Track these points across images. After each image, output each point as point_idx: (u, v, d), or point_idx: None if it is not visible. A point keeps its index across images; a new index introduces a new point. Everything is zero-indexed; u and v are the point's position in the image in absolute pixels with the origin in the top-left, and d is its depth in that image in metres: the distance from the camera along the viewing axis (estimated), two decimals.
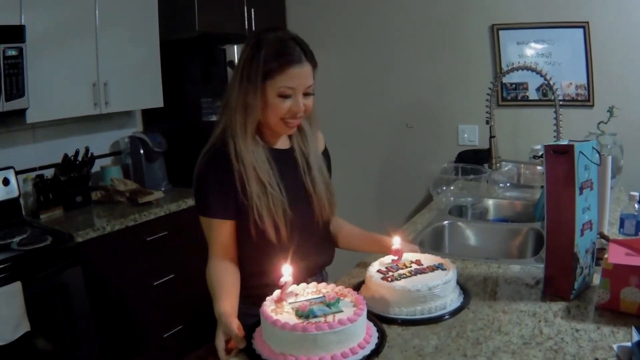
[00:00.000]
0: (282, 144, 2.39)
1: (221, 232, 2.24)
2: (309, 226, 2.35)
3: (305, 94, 2.22)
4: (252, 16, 5.20)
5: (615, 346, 1.75)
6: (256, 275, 2.29)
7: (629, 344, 1.74)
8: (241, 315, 2.31)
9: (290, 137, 2.41)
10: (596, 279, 2.18)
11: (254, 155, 2.20)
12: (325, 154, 2.56)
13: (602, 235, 2.50)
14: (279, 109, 2.17)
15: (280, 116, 2.19)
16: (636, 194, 2.78)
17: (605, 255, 2.05)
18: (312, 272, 2.41)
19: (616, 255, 2.04)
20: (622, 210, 2.82)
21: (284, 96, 2.16)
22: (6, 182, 3.95)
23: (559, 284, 2.18)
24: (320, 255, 2.45)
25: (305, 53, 2.21)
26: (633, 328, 1.77)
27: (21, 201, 4.10)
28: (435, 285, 2.00)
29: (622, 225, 2.80)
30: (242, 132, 2.20)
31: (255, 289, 2.27)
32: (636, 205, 2.74)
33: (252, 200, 2.17)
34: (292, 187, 2.30)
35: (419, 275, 2.09)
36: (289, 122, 2.21)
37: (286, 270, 1.86)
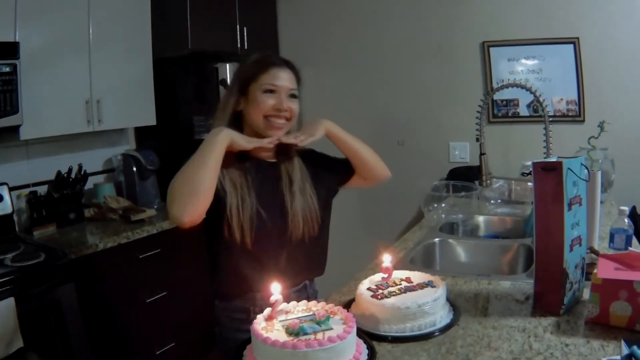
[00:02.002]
0: (268, 157, 2.45)
1: None
2: (281, 239, 2.36)
3: (291, 98, 2.34)
4: (245, 35, 5.23)
5: None
6: (233, 282, 2.37)
7: (618, 357, 1.75)
8: (226, 331, 2.37)
9: (278, 152, 2.47)
10: (586, 294, 2.19)
11: (230, 155, 2.27)
12: (326, 161, 2.62)
13: (592, 250, 2.51)
14: (264, 104, 2.29)
15: (264, 113, 2.30)
16: (626, 208, 2.80)
17: (595, 270, 2.07)
18: (290, 284, 2.43)
19: (605, 270, 2.05)
20: (611, 224, 2.84)
21: (268, 92, 2.28)
22: (0, 198, 3.95)
23: (548, 299, 2.19)
24: (296, 270, 2.44)
25: (287, 62, 2.37)
26: (622, 341, 1.79)
27: (15, 217, 4.08)
28: (425, 302, 2.01)
29: (612, 239, 2.81)
30: None
31: (234, 300, 2.38)
32: (626, 220, 2.76)
33: (226, 195, 2.24)
34: (269, 198, 2.35)
35: (408, 293, 2.10)
36: (273, 121, 2.31)
37: (275, 289, 1.86)
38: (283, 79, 2.32)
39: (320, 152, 2.63)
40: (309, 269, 2.51)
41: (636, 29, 4.39)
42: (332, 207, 2.59)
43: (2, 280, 3.28)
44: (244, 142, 2.25)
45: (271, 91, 2.29)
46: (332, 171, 2.59)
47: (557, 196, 2.09)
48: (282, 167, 2.43)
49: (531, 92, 3.39)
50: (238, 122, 2.37)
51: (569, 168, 2.09)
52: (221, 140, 2.17)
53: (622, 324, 1.97)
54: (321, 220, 2.45)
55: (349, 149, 2.55)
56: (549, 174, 2.11)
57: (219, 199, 2.22)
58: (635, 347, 1.70)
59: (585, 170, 2.20)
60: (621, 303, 1.96)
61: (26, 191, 4.28)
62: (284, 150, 2.45)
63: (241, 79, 2.36)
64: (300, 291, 2.47)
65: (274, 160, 2.45)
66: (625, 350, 1.74)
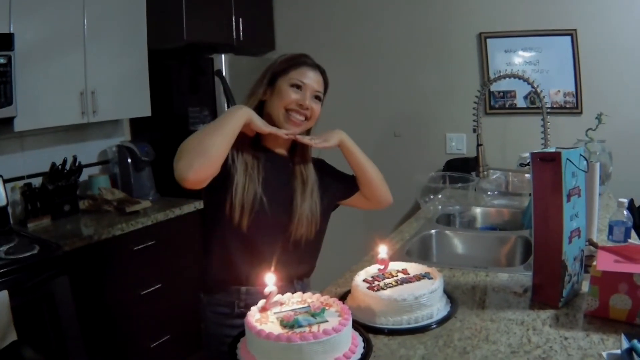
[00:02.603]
0: (281, 152, 2.48)
1: None
2: (279, 233, 2.36)
3: (314, 99, 2.40)
4: (240, 26, 5.21)
5: (604, 354, 1.74)
6: (221, 269, 2.37)
7: (618, 351, 1.73)
8: (211, 325, 2.36)
9: (293, 152, 2.50)
10: (585, 287, 2.17)
11: (246, 140, 2.32)
12: (333, 172, 2.64)
13: (591, 243, 2.49)
14: (287, 97, 2.33)
15: (286, 105, 2.33)
16: (624, 200, 2.78)
17: (594, 263, 2.04)
18: (281, 276, 2.42)
19: (605, 263, 2.03)
20: (610, 217, 2.82)
21: (295, 87, 2.35)
22: None
23: (547, 291, 2.17)
24: (285, 267, 2.41)
25: (319, 66, 2.47)
26: (622, 335, 1.76)
27: (9, 210, 4.06)
28: (422, 294, 1.99)
29: (611, 232, 2.79)
30: None
31: (218, 292, 2.37)
32: (625, 212, 2.74)
33: (235, 169, 2.27)
34: (275, 189, 2.35)
35: (405, 285, 2.08)
36: (292, 115, 2.35)
37: (270, 280, 1.84)
38: (311, 78, 2.38)
39: (330, 164, 2.66)
40: (297, 269, 2.49)
41: (634, 21, 4.38)
42: (329, 219, 2.61)
43: None
44: (261, 124, 2.28)
45: (298, 87, 2.34)
46: (338, 183, 2.62)
47: (555, 187, 2.07)
48: (296, 167, 2.46)
49: (529, 83, 3.37)
50: (260, 112, 2.38)
51: (568, 159, 2.07)
52: (241, 115, 2.22)
53: (622, 318, 1.95)
54: (319, 226, 2.46)
55: (358, 164, 2.56)
56: (547, 164, 2.09)
57: (228, 173, 2.25)
58: (635, 341, 1.68)
59: (584, 161, 2.18)
60: (621, 296, 1.94)
61: (20, 183, 4.26)
62: (300, 151, 2.48)
63: (272, 72, 2.40)
64: (287, 286, 2.45)
65: (285, 155, 2.48)
66: (625, 344, 1.71)
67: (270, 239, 2.34)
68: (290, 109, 2.33)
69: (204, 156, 2.09)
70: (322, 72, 2.48)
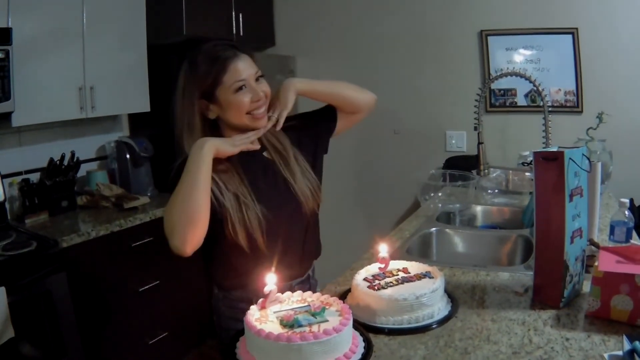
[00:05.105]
0: (256, 145, 2.35)
1: None
2: (295, 220, 2.34)
3: (259, 81, 2.25)
4: (240, 21, 5.19)
5: (606, 355, 1.73)
6: (236, 276, 2.31)
7: (620, 352, 1.72)
8: (225, 320, 2.32)
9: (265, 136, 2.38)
10: (586, 287, 2.16)
11: (216, 169, 2.17)
12: (305, 121, 2.53)
13: (592, 243, 2.48)
14: (241, 103, 2.19)
15: (246, 110, 2.20)
16: (626, 200, 2.76)
17: (596, 263, 2.03)
18: (296, 274, 2.41)
19: (606, 263, 2.02)
20: (612, 216, 2.80)
21: (240, 89, 2.19)
22: None
23: (548, 292, 2.16)
24: (308, 247, 2.43)
25: (236, 47, 2.27)
26: (624, 336, 1.76)
27: (7, 205, 4.06)
28: (423, 293, 1.98)
29: (612, 232, 2.77)
30: None
31: (235, 290, 2.32)
32: (626, 212, 2.72)
33: (227, 212, 2.16)
34: (271, 186, 2.31)
35: (406, 284, 2.07)
36: (256, 114, 2.22)
37: (270, 279, 1.83)
38: (244, 69, 2.21)
39: (295, 115, 2.51)
40: (312, 251, 2.49)
41: (635, 20, 4.38)
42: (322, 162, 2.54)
43: None
44: (230, 147, 2.18)
45: (241, 88, 2.19)
46: (315, 131, 2.52)
47: (558, 187, 2.06)
48: (270, 149, 2.38)
49: (530, 82, 3.35)
50: (214, 128, 2.30)
51: (570, 158, 2.06)
52: (206, 154, 2.09)
53: (623, 319, 1.94)
54: (319, 187, 2.43)
55: (328, 97, 2.49)
56: (550, 163, 2.08)
57: (219, 214, 2.15)
58: (637, 343, 1.67)
59: (587, 161, 2.17)
60: (622, 297, 1.93)
61: (18, 179, 4.25)
62: (270, 134, 2.38)
63: (201, 88, 2.23)
64: (304, 282, 2.45)
65: (259, 148, 2.36)
66: (627, 346, 1.71)
67: (292, 230, 2.33)
68: (250, 109, 2.20)
69: (192, 223, 2.03)
70: (243, 51, 2.27)
